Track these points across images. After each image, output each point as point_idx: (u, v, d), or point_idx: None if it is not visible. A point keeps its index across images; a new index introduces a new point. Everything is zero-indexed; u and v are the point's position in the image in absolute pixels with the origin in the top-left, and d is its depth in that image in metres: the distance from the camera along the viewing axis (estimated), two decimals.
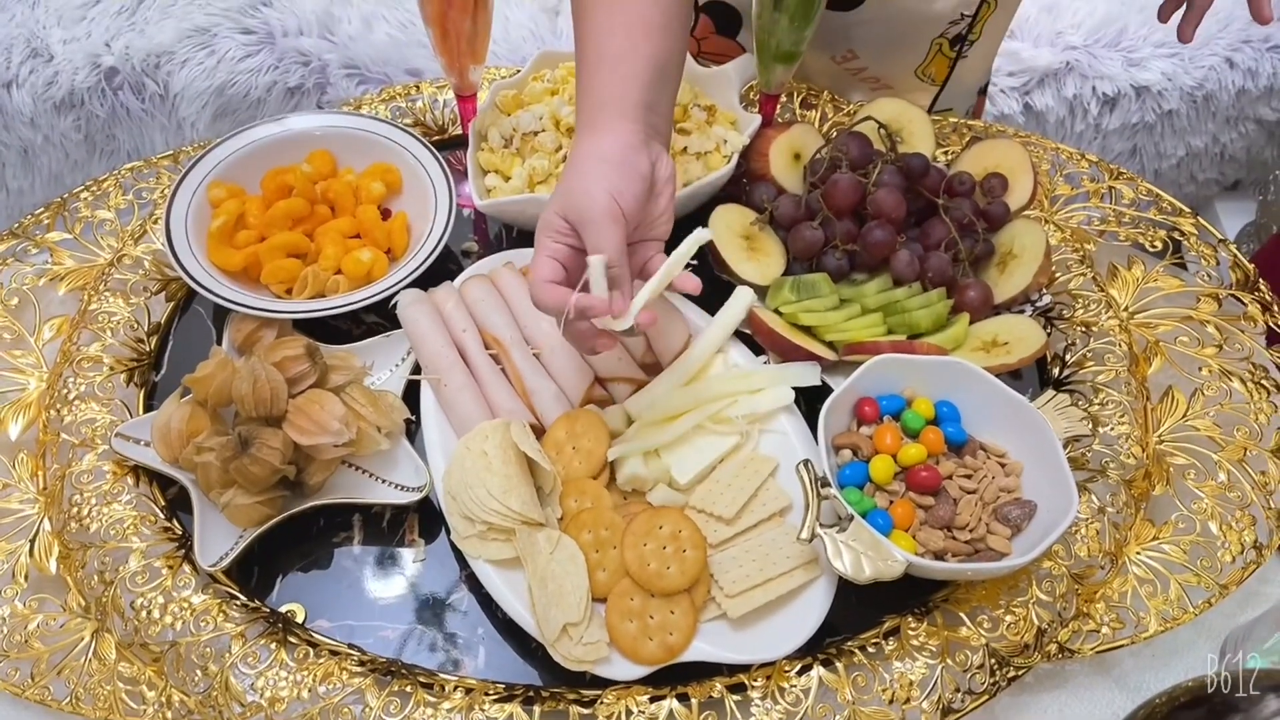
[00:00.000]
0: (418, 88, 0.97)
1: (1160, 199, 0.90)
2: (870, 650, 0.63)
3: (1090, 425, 0.73)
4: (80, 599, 0.65)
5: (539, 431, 0.71)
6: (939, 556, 0.64)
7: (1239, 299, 0.82)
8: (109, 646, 0.63)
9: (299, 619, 0.65)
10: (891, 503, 0.66)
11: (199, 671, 0.61)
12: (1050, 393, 0.76)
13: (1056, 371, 0.78)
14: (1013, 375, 0.76)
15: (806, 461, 0.63)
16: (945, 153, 0.92)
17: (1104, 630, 0.65)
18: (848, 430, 0.70)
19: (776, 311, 0.77)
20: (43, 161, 1.52)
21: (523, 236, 0.85)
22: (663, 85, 0.68)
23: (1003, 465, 0.68)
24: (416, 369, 0.74)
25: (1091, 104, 1.51)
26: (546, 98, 0.88)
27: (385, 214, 0.84)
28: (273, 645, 0.62)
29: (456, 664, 0.63)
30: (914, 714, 0.60)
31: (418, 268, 0.77)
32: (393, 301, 0.76)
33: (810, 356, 0.74)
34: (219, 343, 0.76)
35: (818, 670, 0.62)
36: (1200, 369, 0.78)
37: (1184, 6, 0.78)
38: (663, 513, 0.64)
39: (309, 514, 0.67)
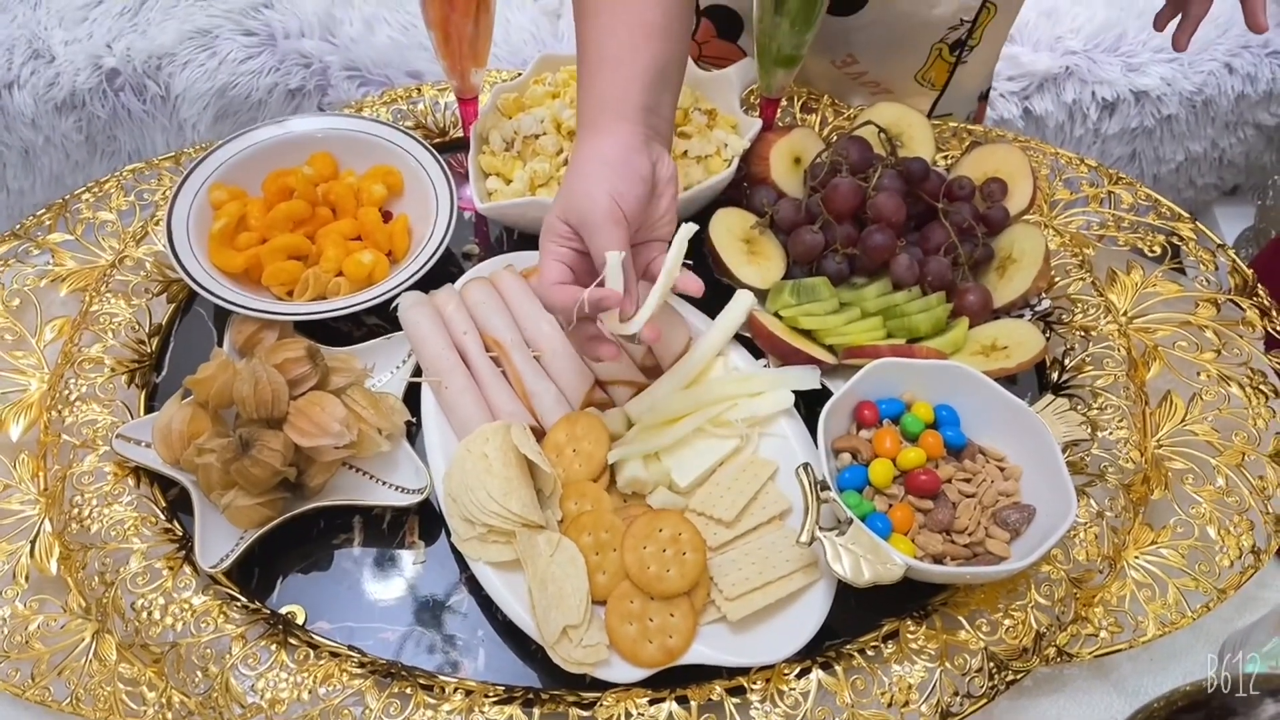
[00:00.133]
0: (419, 90, 0.97)
1: (1159, 204, 0.90)
2: (869, 653, 0.63)
3: (1089, 429, 0.73)
4: (81, 600, 0.65)
5: (539, 434, 0.71)
6: (938, 560, 0.64)
7: (1237, 304, 0.83)
8: (109, 647, 0.63)
9: (299, 620, 0.65)
10: (891, 506, 0.66)
11: (199, 673, 0.61)
12: (1049, 397, 0.76)
13: (1055, 376, 0.78)
14: (1012, 379, 0.76)
15: (806, 465, 0.63)
16: (945, 157, 0.92)
17: (1102, 634, 0.65)
18: (847, 434, 0.70)
19: (776, 315, 0.77)
20: (44, 162, 1.52)
21: (524, 239, 0.86)
22: (664, 87, 0.68)
23: (1002, 469, 0.68)
24: (417, 371, 0.74)
25: (1091, 109, 1.51)
26: (548, 101, 0.88)
27: (386, 216, 0.84)
28: (273, 647, 0.62)
29: (456, 666, 0.64)
30: (913, 717, 0.60)
31: (419, 270, 0.77)
32: (394, 304, 0.76)
33: (810, 360, 0.74)
34: (220, 344, 0.76)
35: (817, 673, 0.62)
36: (1199, 374, 0.78)
37: (1179, 15, 0.79)
38: (663, 515, 0.65)
39: (309, 516, 0.67)
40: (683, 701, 0.61)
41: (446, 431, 0.71)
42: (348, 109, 0.95)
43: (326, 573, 0.67)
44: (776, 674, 0.62)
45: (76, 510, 0.67)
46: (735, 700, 0.61)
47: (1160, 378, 0.78)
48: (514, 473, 0.65)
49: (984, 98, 1.10)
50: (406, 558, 0.68)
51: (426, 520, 0.70)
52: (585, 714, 0.60)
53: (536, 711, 0.60)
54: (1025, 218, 0.82)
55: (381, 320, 0.79)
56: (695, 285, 0.65)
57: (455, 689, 0.61)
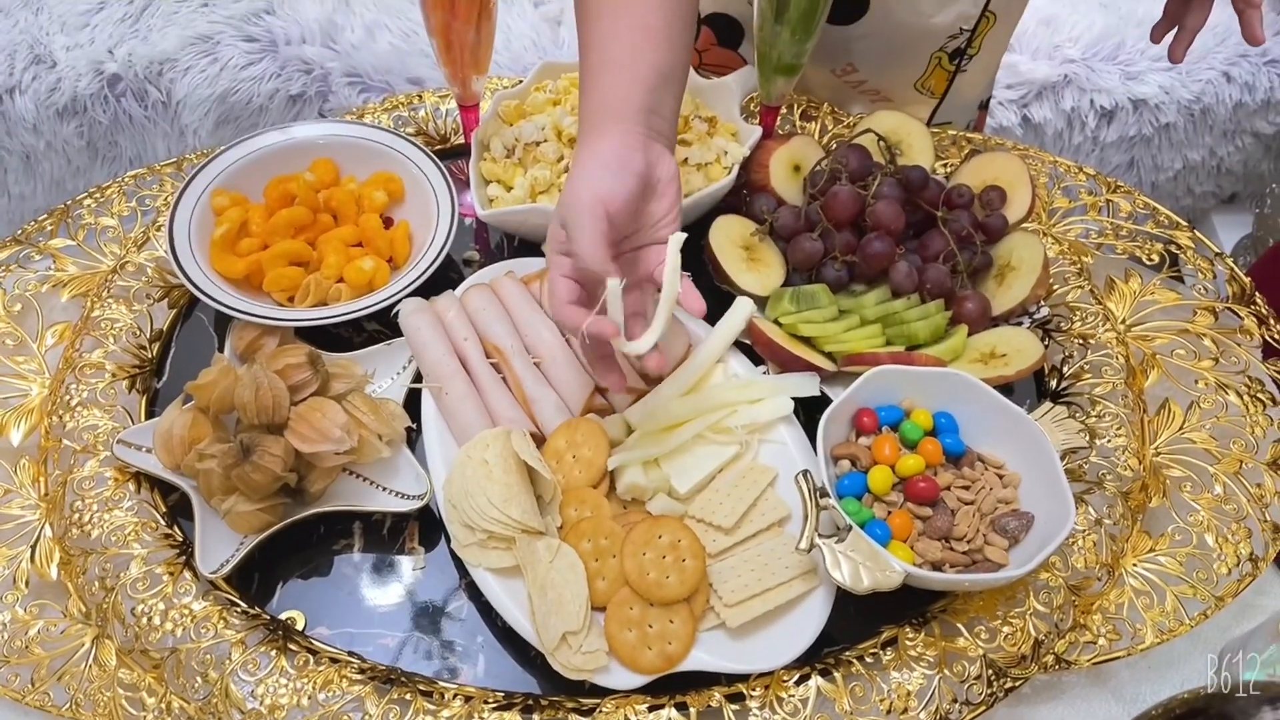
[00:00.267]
0: (420, 97, 0.98)
1: (1157, 212, 0.90)
2: (868, 660, 0.63)
3: (1087, 437, 0.73)
4: (81, 605, 0.65)
5: (539, 440, 0.71)
6: (937, 567, 0.64)
7: (1235, 312, 0.83)
8: (109, 653, 0.63)
9: (299, 626, 0.65)
10: (890, 513, 0.66)
11: (199, 678, 0.61)
12: (1048, 404, 0.76)
13: (1054, 383, 0.78)
14: (1010, 387, 0.76)
15: (805, 472, 0.63)
16: (944, 165, 0.93)
17: (1100, 642, 0.65)
18: (846, 441, 0.70)
19: (776, 322, 0.77)
20: (45, 167, 1.52)
21: (524, 246, 0.86)
22: (665, 90, 0.68)
23: (1000, 477, 0.68)
24: (418, 377, 0.74)
25: (1089, 117, 1.52)
26: (549, 108, 0.88)
27: (387, 223, 0.84)
28: (273, 652, 0.62)
29: (456, 672, 0.64)
30: None
31: (419, 276, 0.77)
32: (394, 310, 0.76)
33: (809, 367, 0.74)
34: (221, 350, 0.76)
35: (816, 680, 0.62)
36: (1197, 382, 0.78)
37: (1176, 28, 0.79)
38: (662, 522, 0.65)
39: (309, 521, 0.67)
40: (682, 708, 0.61)
41: (447, 437, 0.71)
42: (349, 115, 0.95)
43: (326, 578, 0.67)
44: (775, 681, 0.62)
45: (77, 515, 0.67)
46: (734, 707, 0.61)
47: (1158, 386, 0.79)
48: (514, 479, 0.65)
49: (984, 106, 1.10)
50: (406, 563, 0.68)
51: (426, 526, 0.70)
52: None
53: (536, 717, 0.60)
54: (1024, 226, 0.83)
55: (382, 326, 0.80)
56: (697, 306, 0.64)
57: (455, 695, 0.61)
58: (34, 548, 0.68)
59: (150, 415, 0.75)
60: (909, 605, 0.65)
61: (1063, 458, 0.69)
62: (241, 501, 0.64)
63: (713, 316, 0.76)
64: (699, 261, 0.80)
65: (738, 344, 0.76)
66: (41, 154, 1.50)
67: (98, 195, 0.88)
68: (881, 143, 0.84)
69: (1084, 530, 0.68)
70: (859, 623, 0.65)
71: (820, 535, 0.61)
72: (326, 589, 0.67)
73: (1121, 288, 0.85)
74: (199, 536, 0.64)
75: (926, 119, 1.03)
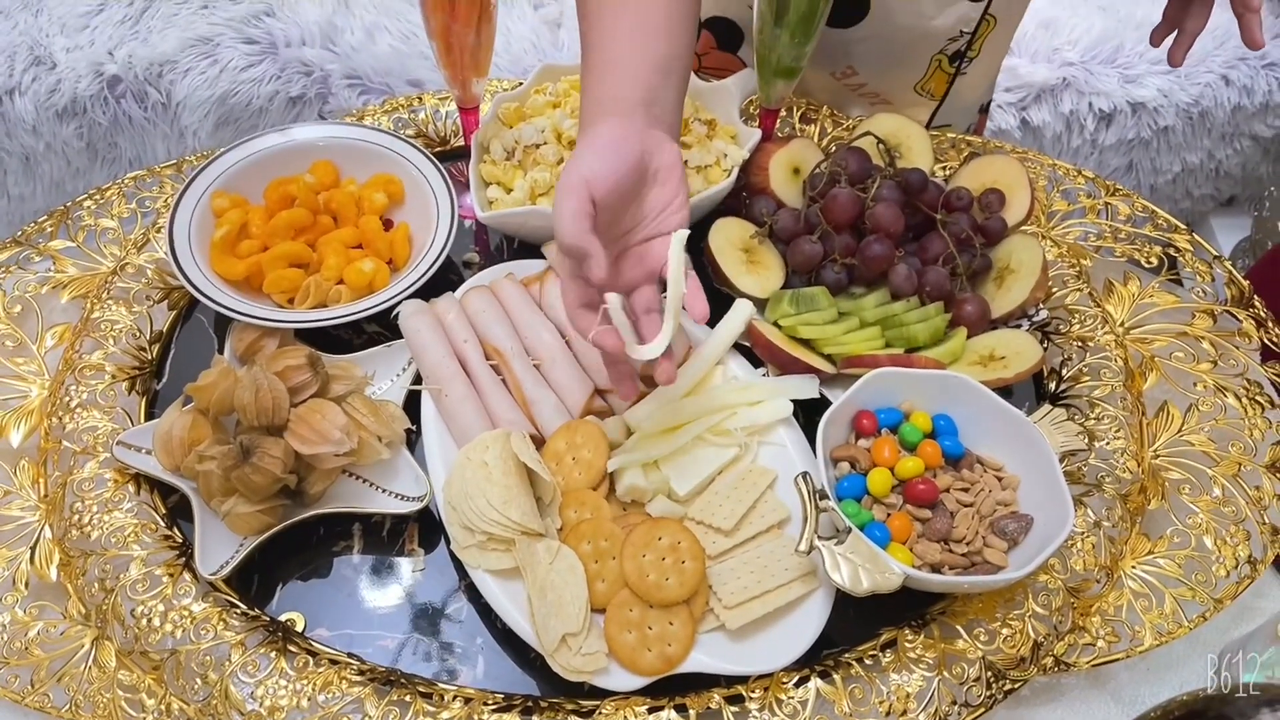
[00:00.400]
0: (420, 99, 0.98)
1: (1156, 215, 0.90)
2: (867, 662, 0.63)
3: (1086, 440, 0.73)
4: (80, 606, 0.65)
5: (539, 442, 0.71)
6: (936, 569, 0.64)
7: (1234, 315, 0.83)
8: (109, 654, 0.63)
9: (298, 628, 0.65)
10: (889, 515, 0.66)
11: (198, 680, 0.61)
12: (1047, 407, 0.76)
13: (1053, 386, 0.79)
14: (1009, 389, 0.77)
15: (805, 474, 0.63)
16: (943, 168, 0.93)
17: (1099, 644, 0.65)
18: (846, 443, 0.71)
19: (775, 324, 0.77)
20: (44, 169, 1.52)
21: (524, 248, 0.86)
22: (666, 82, 0.67)
23: (999, 479, 0.68)
24: (418, 379, 0.74)
25: (1088, 120, 1.52)
26: (548, 110, 0.88)
27: (387, 224, 0.85)
28: (272, 654, 0.62)
29: (455, 673, 0.64)
30: None
31: (419, 278, 0.77)
32: (394, 312, 0.76)
33: (808, 369, 0.74)
34: (221, 351, 0.77)
35: (815, 682, 0.62)
36: (1195, 384, 0.78)
37: (1175, 32, 0.79)
38: (662, 524, 0.65)
39: (309, 523, 0.67)
40: (681, 710, 0.61)
41: (446, 439, 0.71)
42: (349, 117, 0.95)
43: (326, 580, 0.67)
44: (775, 683, 0.62)
45: (76, 517, 0.67)
46: (734, 709, 0.61)
47: (1157, 388, 0.79)
48: (514, 481, 0.65)
49: (984, 110, 1.10)
50: (406, 565, 0.68)
51: (426, 528, 0.70)
52: None
53: (535, 719, 0.60)
54: (1023, 229, 0.83)
55: (382, 328, 0.80)
56: (700, 310, 0.63)
57: (454, 697, 0.61)
58: (34, 549, 0.68)
59: (150, 417, 0.75)
60: (908, 607, 0.65)
61: (1062, 460, 0.69)
62: (241, 503, 0.64)
63: (713, 319, 0.76)
64: (699, 264, 0.80)
65: (737, 346, 0.76)
66: (41, 155, 1.50)
67: (97, 197, 0.88)
68: (880, 145, 0.85)
69: (1083, 532, 0.68)
70: (858, 625, 0.65)
71: (820, 537, 0.61)
72: (326, 590, 0.67)
73: (1120, 290, 0.85)
74: (199, 538, 0.64)
75: (926, 121, 1.03)
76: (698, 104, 0.90)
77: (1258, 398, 0.77)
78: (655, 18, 0.66)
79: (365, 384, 0.71)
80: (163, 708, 0.61)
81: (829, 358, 0.76)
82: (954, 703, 0.61)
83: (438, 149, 0.94)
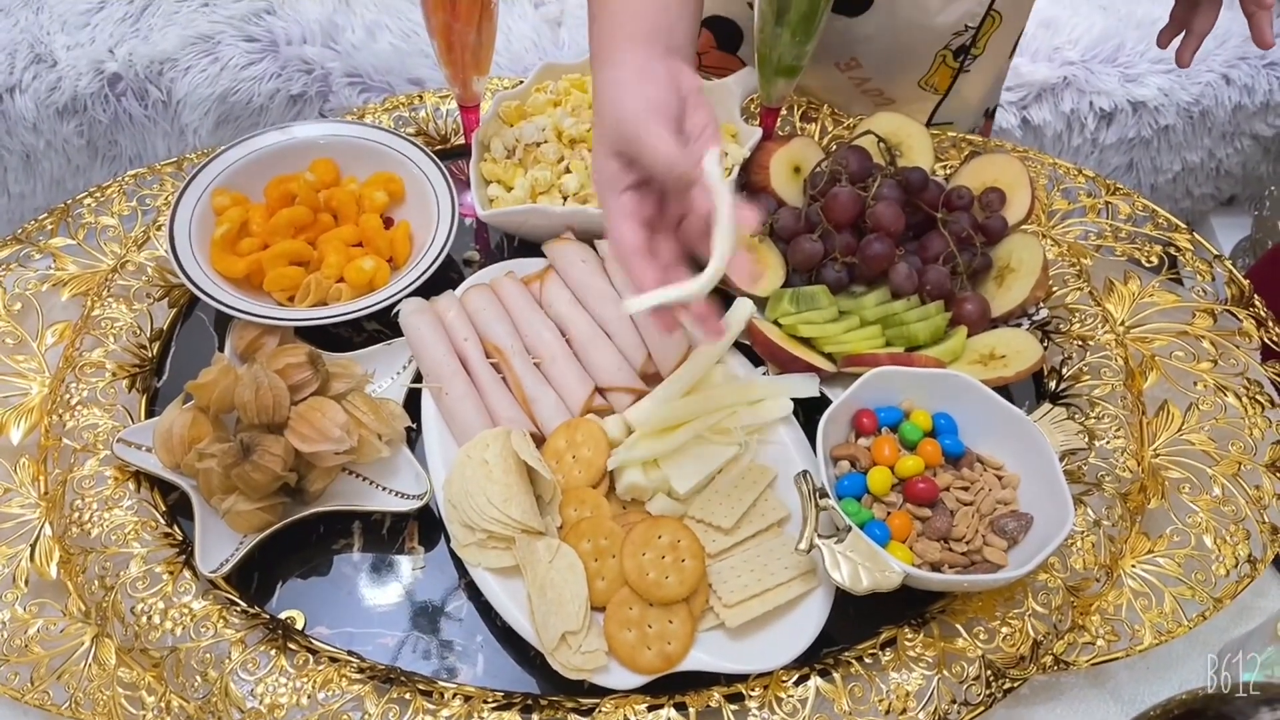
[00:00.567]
0: (421, 97, 0.98)
1: (1156, 214, 0.90)
2: (867, 661, 0.63)
3: (1086, 439, 0.73)
4: (81, 604, 0.65)
5: (539, 440, 0.71)
6: (936, 568, 0.64)
7: (1234, 314, 0.83)
8: (109, 652, 0.63)
9: (298, 625, 0.65)
10: (889, 514, 0.66)
11: (198, 677, 0.61)
12: (1047, 406, 0.76)
13: (1053, 385, 0.79)
14: (1009, 388, 0.77)
15: (805, 472, 0.63)
16: (944, 166, 0.93)
17: (1099, 643, 0.65)
18: (846, 441, 0.71)
19: (776, 323, 0.77)
20: (44, 166, 1.52)
21: (524, 246, 0.86)
22: (681, 12, 0.64)
23: (999, 478, 0.68)
24: (418, 377, 0.74)
25: (1089, 119, 1.52)
26: (549, 109, 0.88)
27: (388, 223, 0.84)
28: (272, 652, 0.62)
29: (455, 671, 0.64)
30: None
31: (419, 276, 0.77)
32: (394, 310, 0.76)
33: (809, 368, 0.74)
34: (221, 349, 0.77)
35: (815, 680, 0.62)
36: (1195, 384, 0.78)
37: (1183, 33, 0.79)
38: (662, 522, 0.65)
39: (309, 520, 0.67)
40: (681, 708, 0.61)
41: (446, 437, 0.71)
42: (350, 116, 0.95)
43: (326, 578, 0.68)
44: (774, 681, 0.62)
45: (77, 514, 0.67)
46: (733, 707, 0.61)
47: (1157, 387, 0.79)
48: (514, 479, 0.65)
49: (990, 115, 1.10)
50: (406, 563, 0.68)
51: (426, 526, 0.70)
52: None
53: (535, 717, 0.60)
54: (1023, 228, 0.83)
55: (382, 326, 0.80)
56: (752, 217, 0.57)
57: (454, 695, 0.61)
58: (34, 546, 0.68)
59: (150, 414, 0.75)
60: (908, 606, 0.65)
61: (1062, 459, 0.70)
62: (241, 501, 0.64)
63: None
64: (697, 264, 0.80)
65: (737, 345, 0.76)
66: (41, 153, 1.50)
67: (98, 194, 0.88)
68: (881, 144, 0.85)
69: (1083, 531, 0.68)
70: (858, 623, 0.65)
71: (820, 536, 0.61)
72: (326, 588, 0.67)
73: (1120, 289, 0.85)
74: (199, 535, 0.64)
75: (929, 115, 1.03)
76: None
77: (1258, 397, 0.77)
78: None
79: (365, 382, 0.71)
80: (162, 705, 0.61)
81: (829, 356, 0.76)
82: (953, 701, 0.61)
83: (438, 147, 0.94)
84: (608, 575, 0.63)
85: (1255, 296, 0.84)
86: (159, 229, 0.83)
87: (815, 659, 0.63)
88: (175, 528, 0.68)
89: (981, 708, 0.62)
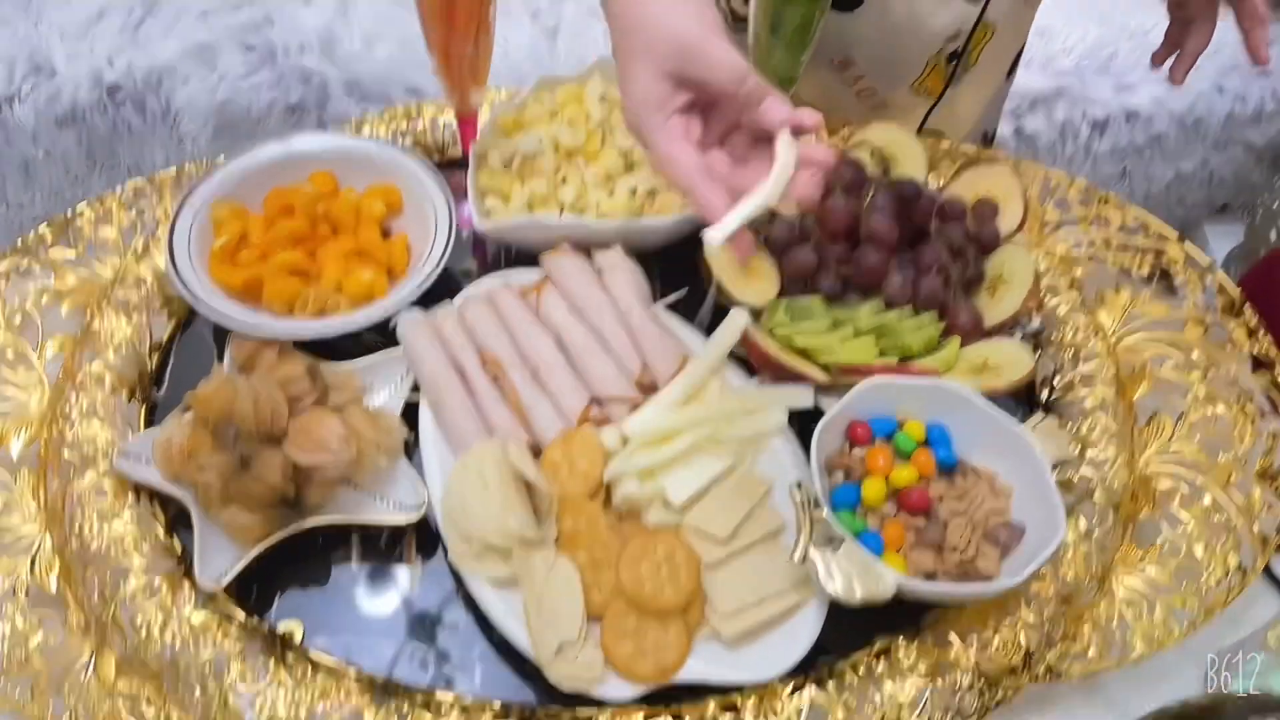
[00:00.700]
0: (418, 109, 0.98)
1: (1148, 224, 0.91)
2: (861, 671, 0.63)
3: (1078, 448, 0.74)
4: (80, 616, 0.66)
5: (536, 451, 0.72)
6: (929, 577, 0.65)
7: (1225, 324, 0.84)
8: (109, 664, 0.64)
9: (297, 637, 0.65)
10: (883, 523, 0.67)
11: (198, 689, 0.61)
12: (1039, 415, 0.77)
13: (1045, 394, 0.79)
14: (1002, 398, 0.77)
15: (800, 483, 0.64)
16: (938, 176, 0.94)
17: (1091, 652, 0.66)
18: (840, 452, 0.71)
19: (771, 333, 0.78)
20: (43, 175, 1.52)
21: (521, 256, 0.86)
22: None
23: (992, 488, 0.69)
24: (416, 388, 0.75)
25: (1082, 128, 1.53)
26: (546, 121, 0.89)
27: (386, 233, 0.85)
28: (271, 663, 0.62)
29: (453, 682, 0.64)
30: None
31: (417, 288, 0.78)
32: (393, 321, 0.77)
33: (803, 378, 0.75)
34: (220, 359, 0.77)
35: (810, 690, 0.62)
36: (1186, 393, 0.79)
37: (1177, 52, 0.80)
38: (658, 533, 0.65)
39: (308, 531, 0.68)
40: (678, 719, 0.61)
41: (444, 448, 0.72)
42: (348, 126, 0.95)
43: (324, 588, 0.68)
44: (770, 691, 0.62)
45: (76, 526, 0.67)
46: (729, 717, 0.61)
47: (1148, 397, 0.79)
48: (511, 490, 0.66)
49: (989, 140, 1.10)
50: (404, 574, 0.69)
51: (424, 536, 0.70)
52: None
53: None
54: (1016, 238, 0.83)
55: (380, 335, 0.80)
56: (813, 119, 0.57)
57: (452, 705, 0.62)
58: (34, 559, 0.68)
59: (149, 425, 0.75)
60: (902, 615, 0.66)
61: (1053, 469, 0.70)
62: (240, 513, 0.64)
63: (709, 328, 0.77)
64: (694, 276, 0.81)
65: (732, 356, 0.77)
66: (40, 162, 1.50)
67: (97, 206, 0.88)
68: (875, 155, 0.85)
69: (1074, 541, 0.69)
70: (852, 633, 0.65)
71: (814, 546, 0.62)
72: (324, 599, 0.67)
73: (1112, 299, 0.86)
74: (198, 548, 0.65)
75: (921, 119, 1.03)
76: None
77: (1248, 406, 0.78)
78: None
79: (364, 393, 0.71)
80: (162, 717, 0.62)
81: (824, 367, 0.77)
82: (947, 711, 0.62)
83: (436, 158, 0.95)
84: (604, 586, 0.64)
85: (1246, 306, 0.85)
86: (158, 241, 0.84)
87: (810, 669, 0.63)
88: (174, 540, 0.69)
89: (975, 717, 0.62)
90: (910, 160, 0.87)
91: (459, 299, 0.80)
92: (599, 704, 0.62)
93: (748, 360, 0.77)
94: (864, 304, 0.79)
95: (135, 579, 0.65)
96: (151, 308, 0.81)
